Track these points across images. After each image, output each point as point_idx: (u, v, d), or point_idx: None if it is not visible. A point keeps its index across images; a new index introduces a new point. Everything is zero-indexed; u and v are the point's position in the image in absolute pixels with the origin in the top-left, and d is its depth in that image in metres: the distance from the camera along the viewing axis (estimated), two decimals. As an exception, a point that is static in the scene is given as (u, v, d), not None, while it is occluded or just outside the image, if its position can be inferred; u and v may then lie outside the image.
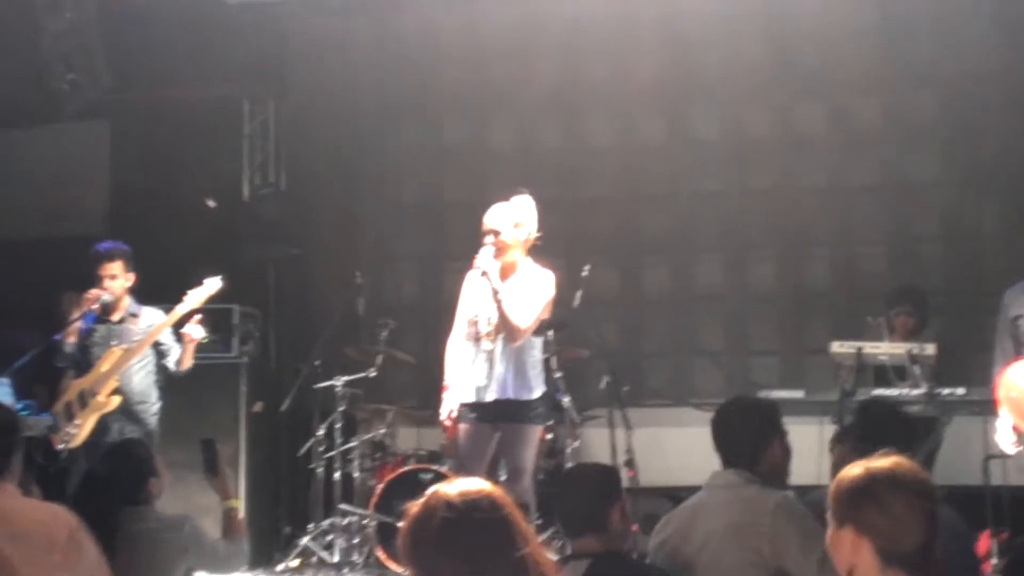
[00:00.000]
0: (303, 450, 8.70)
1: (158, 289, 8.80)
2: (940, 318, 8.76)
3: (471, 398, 6.50)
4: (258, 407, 8.98)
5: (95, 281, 7.63)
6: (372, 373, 8.59)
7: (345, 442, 8.52)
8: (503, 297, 6.37)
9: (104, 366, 7.41)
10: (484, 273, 6.37)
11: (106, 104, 9.55)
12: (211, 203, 9.70)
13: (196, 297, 7.54)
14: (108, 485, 4.67)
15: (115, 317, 7.58)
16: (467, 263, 6.79)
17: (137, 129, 9.96)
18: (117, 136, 10.24)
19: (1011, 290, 6.92)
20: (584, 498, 4.12)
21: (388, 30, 10.17)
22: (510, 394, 6.45)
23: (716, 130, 9.82)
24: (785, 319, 9.62)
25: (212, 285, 7.55)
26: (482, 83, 10.10)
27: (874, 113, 9.57)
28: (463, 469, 6.37)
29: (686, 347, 9.73)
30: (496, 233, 6.46)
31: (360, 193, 10.36)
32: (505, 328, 6.41)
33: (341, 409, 8.44)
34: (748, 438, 4.35)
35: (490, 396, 6.43)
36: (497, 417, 6.47)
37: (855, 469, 2.83)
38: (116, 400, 7.39)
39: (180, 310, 7.52)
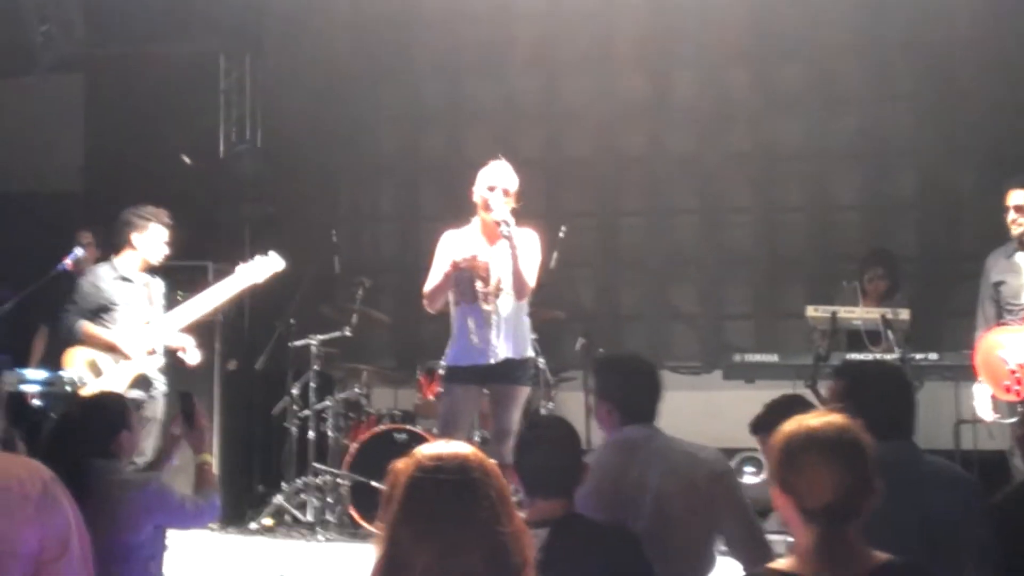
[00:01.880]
0: (277, 409, 8.69)
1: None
2: (914, 283, 8.80)
3: (465, 360, 6.38)
4: (232, 365, 8.94)
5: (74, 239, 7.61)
6: (347, 332, 8.56)
7: (319, 401, 8.50)
8: (520, 253, 6.25)
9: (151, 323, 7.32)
10: (505, 225, 6.18)
11: (81, 57, 9.49)
12: (187, 159, 9.64)
13: (254, 274, 7.44)
14: (78, 435, 4.60)
15: (139, 280, 7.43)
16: (444, 223, 6.76)
17: (112, 83, 9.87)
18: (92, 90, 10.15)
19: (993, 254, 6.96)
20: (557, 456, 3.83)
21: (367, -12, 10.10)
22: (509, 354, 6.34)
23: (695, 92, 9.79)
24: (760, 282, 9.65)
25: (273, 264, 7.45)
26: (460, 43, 10.06)
27: (853, 77, 9.57)
28: (449, 430, 6.27)
29: (662, 310, 9.75)
30: (506, 191, 6.34)
31: (337, 152, 10.31)
32: (517, 285, 6.30)
33: (316, 368, 8.43)
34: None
35: (487, 358, 6.28)
36: (487, 378, 6.38)
37: (785, 427, 2.90)
38: (157, 359, 7.31)
39: (239, 284, 7.42)
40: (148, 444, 7.02)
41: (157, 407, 7.30)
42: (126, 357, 7.18)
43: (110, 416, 4.73)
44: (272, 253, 7.46)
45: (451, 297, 6.47)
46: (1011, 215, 6.74)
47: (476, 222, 6.48)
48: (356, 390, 8.66)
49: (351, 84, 10.27)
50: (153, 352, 7.26)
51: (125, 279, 7.35)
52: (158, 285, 7.52)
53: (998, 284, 6.83)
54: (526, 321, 6.54)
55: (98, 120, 10.04)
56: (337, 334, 8.55)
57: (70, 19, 8.90)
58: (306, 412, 8.45)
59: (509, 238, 6.19)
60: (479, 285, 6.32)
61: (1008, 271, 6.79)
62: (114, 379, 7.13)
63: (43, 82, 9.69)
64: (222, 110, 10.05)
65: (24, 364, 8.11)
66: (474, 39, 10.01)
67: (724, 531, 4.26)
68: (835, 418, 2.88)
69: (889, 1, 9.38)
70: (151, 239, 7.37)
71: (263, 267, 7.43)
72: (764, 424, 4.33)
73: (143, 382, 7.20)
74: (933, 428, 7.13)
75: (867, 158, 9.54)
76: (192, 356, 7.38)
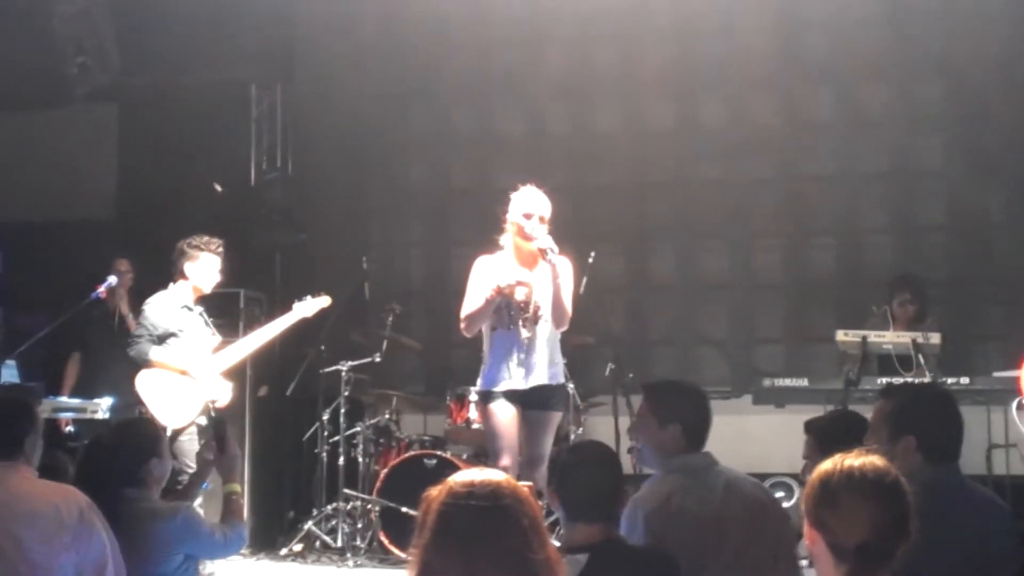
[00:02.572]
0: (308, 435, 8.73)
1: (165, 274, 8.87)
2: (944, 307, 8.77)
3: (501, 385, 6.33)
4: (263, 391, 9.00)
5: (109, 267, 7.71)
6: (378, 358, 8.59)
7: (350, 427, 8.52)
8: (563, 281, 6.22)
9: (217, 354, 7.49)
10: (552, 252, 6.13)
11: (115, 87, 9.58)
12: (218, 188, 9.72)
13: (306, 310, 7.75)
14: (107, 463, 4.60)
15: (197, 308, 7.57)
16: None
17: (145, 112, 9.98)
18: (125, 119, 10.27)
19: None
20: (599, 481, 3.85)
21: (396, 15, 10.17)
22: (544, 379, 6.33)
23: (723, 117, 9.81)
24: (790, 307, 9.62)
25: (322, 301, 7.78)
26: (489, 69, 10.11)
27: (881, 101, 9.56)
28: (501, 452, 6.25)
29: (691, 334, 9.74)
30: (542, 218, 6.30)
31: (367, 178, 10.37)
32: (558, 313, 6.27)
33: (346, 394, 8.45)
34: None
35: (524, 383, 6.28)
36: (522, 403, 6.34)
37: (823, 465, 2.89)
38: (228, 384, 7.46)
39: (290, 319, 7.75)
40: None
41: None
42: (195, 381, 7.32)
43: (139, 443, 4.70)
44: (323, 295, 7.78)
45: (487, 322, 6.43)
46: None
47: (509, 248, 6.44)
48: (386, 416, 8.68)
49: (380, 111, 10.33)
50: (222, 377, 7.42)
51: (187, 307, 7.49)
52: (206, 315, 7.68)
53: None
54: (559, 347, 6.54)
55: (131, 149, 10.15)
56: (367, 360, 8.58)
57: (105, 50, 9.01)
58: (336, 438, 8.47)
59: (554, 266, 6.16)
60: (518, 311, 6.30)
61: None
62: (188, 406, 7.26)
63: (78, 112, 9.80)
64: (253, 138, 10.14)
65: (57, 391, 8.20)
66: (503, 66, 10.07)
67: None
68: (875, 459, 2.87)
69: (916, 24, 9.39)
70: (203, 269, 7.48)
71: (314, 304, 7.76)
72: (822, 431, 4.38)
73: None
74: (965, 453, 7.10)
75: (895, 182, 9.53)
76: (224, 397, 7.47)
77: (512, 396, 6.31)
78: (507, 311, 6.31)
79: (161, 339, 7.39)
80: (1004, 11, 9.14)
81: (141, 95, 9.91)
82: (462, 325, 6.45)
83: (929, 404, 4.05)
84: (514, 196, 6.41)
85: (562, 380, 6.56)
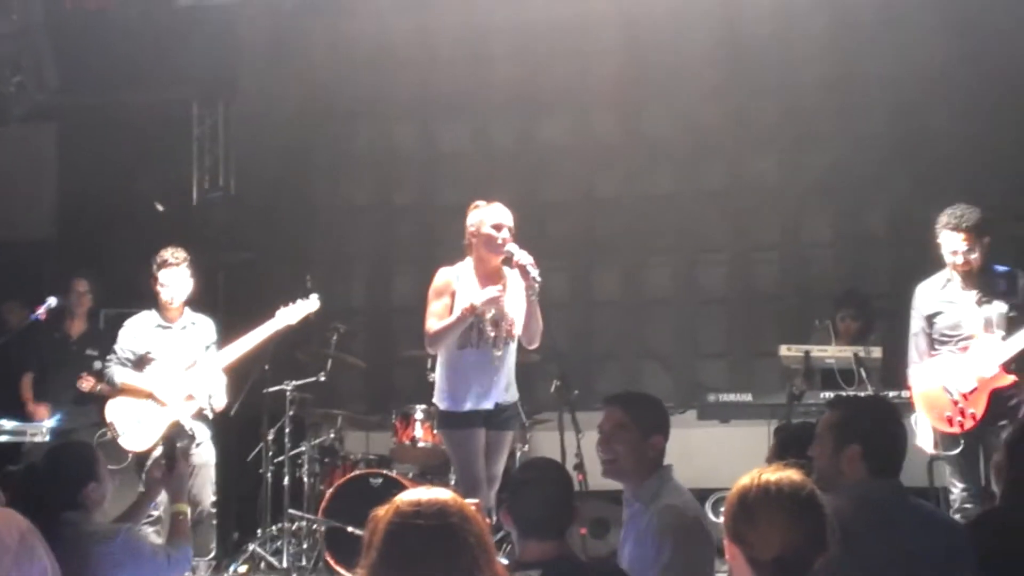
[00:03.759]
0: (252, 455, 8.65)
1: (105, 293, 8.79)
2: (888, 319, 8.84)
3: (465, 405, 6.21)
4: (207, 411, 8.91)
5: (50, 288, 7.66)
6: (322, 377, 8.53)
7: (294, 447, 8.47)
8: (535, 298, 6.08)
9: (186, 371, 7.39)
10: (526, 267, 5.98)
11: (53, 107, 9.49)
12: (160, 207, 9.65)
13: (290, 316, 7.59)
14: (44, 486, 4.55)
15: (177, 324, 7.50)
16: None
17: (85, 132, 9.90)
18: (65, 139, 10.17)
19: (923, 287, 6.85)
20: (551, 498, 3.86)
21: (340, 33, 10.15)
22: (504, 398, 6.26)
23: (669, 131, 9.85)
24: (734, 322, 9.68)
25: (309, 305, 7.62)
26: (435, 86, 10.10)
27: (825, 114, 9.64)
28: (470, 475, 6.13)
29: (636, 350, 9.77)
30: (511, 229, 6.18)
31: (311, 197, 10.34)
32: (532, 330, 6.17)
33: (290, 413, 8.39)
34: None
35: (487, 403, 6.20)
36: (487, 424, 6.25)
37: (742, 480, 2.92)
38: (192, 404, 7.36)
39: (277, 326, 7.56)
40: (204, 492, 7.31)
41: (204, 452, 7.40)
42: (161, 404, 7.25)
43: (76, 467, 4.67)
44: (313, 296, 7.63)
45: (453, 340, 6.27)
46: (952, 252, 6.59)
47: (469, 262, 6.30)
48: (331, 435, 8.63)
49: (324, 129, 10.30)
50: (191, 398, 7.31)
51: (162, 326, 7.46)
52: (205, 327, 7.60)
53: (932, 316, 6.73)
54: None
55: (71, 169, 10.05)
56: (312, 379, 8.52)
57: (42, 69, 8.92)
58: (281, 458, 8.41)
59: (534, 283, 6.01)
60: (489, 329, 6.18)
61: (943, 302, 6.70)
62: (150, 429, 7.22)
63: (16, 132, 9.70)
64: (195, 157, 10.07)
65: (12, 412, 8.11)
66: (448, 82, 10.06)
67: None
68: (792, 473, 2.90)
69: (862, 40, 9.49)
70: (162, 283, 7.43)
71: (299, 309, 7.59)
72: (784, 439, 4.41)
73: (181, 430, 7.20)
74: (907, 465, 7.14)
75: (840, 195, 9.62)
76: (218, 400, 7.41)
77: (477, 418, 6.20)
78: (477, 329, 6.18)
79: (134, 362, 7.39)
80: (943, 25, 9.27)
81: (80, 114, 9.83)
82: (427, 341, 6.30)
83: (875, 414, 4.07)
84: (478, 210, 6.26)
85: (516, 397, 6.45)
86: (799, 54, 9.55)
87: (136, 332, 7.45)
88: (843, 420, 4.00)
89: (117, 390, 7.34)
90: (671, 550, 4.10)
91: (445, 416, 6.34)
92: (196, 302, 8.84)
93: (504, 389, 6.25)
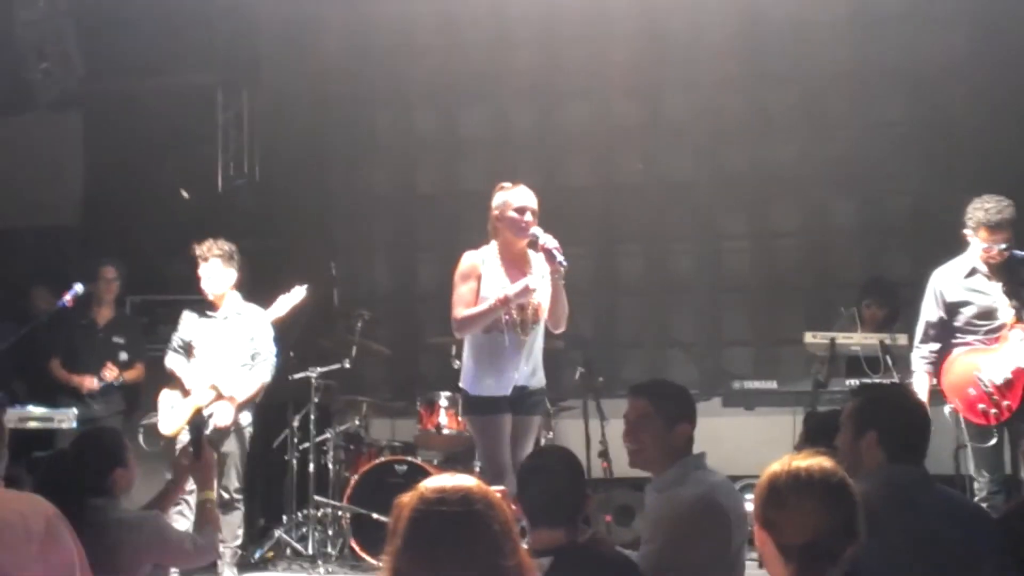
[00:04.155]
0: (277, 441, 8.68)
1: (131, 280, 8.82)
2: (911, 307, 8.80)
3: (493, 390, 6.11)
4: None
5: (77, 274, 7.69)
6: (347, 364, 8.53)
7: (319, 433, 8.48)
8: (562, 282, 5.99)
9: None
10: (552, 251, 5.88)
11: (79, 93, 9.51)
12: (185, 194, 9.67)
13: (286, 304, 7.69)
14: (72, 472, 4.55)
15: (219, 314, 7.58)
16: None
17: (110, 118, 9.91)
18: (90, 126, 10.19)
19: (944, 274, 6.76)
20: (560, 486, 3.85)
21: (362, 19, 10.15)
22: (531, 383, 6.18)
23: (689, 118, 9.84)
24: (758, 309, 9.66)
25: (298, 294, 7.70)
26: (456, 71, 10.10)
27: (844, 102, 9.62)
28: (497, 462, 6.02)
29: (660, 337, 9.76)
30: (534, 212, 6.08)
31: (334, 183, 10.36)
32: (559, 314, 6.09)
33: (315, 400, 8.40)
34: None
35: (512, 387, 6.10)
36: (513, 409, 6.15)
37: (772, 466, 2.91)
38: (212, 393, 7.41)
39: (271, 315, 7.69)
40: (228, 479, 7.44)
41: (232, 441, 7.47)
42: (186, 392, 7.40)
43: (104, 453, 4.66)
44: (297, 288, 7.70)
45: None
46: (987, 248, 6.51)
47: (494, 245, 6.19)
48: (355, 422, 8.65)
49: (347, 115, 10.32)
50: (214, 388, 7.38)
51: (206, 315, 7.57)
52: (251, 317, 7.64)
53: (958, 305, 6.64)
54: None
55: (97, 155, 10.08)
56: (336, 366, 8.53)
57: (69, 56, 8.94)
58: (306, 444, 8.43)
59: (560, 267, 5.92)
60: (516, 313, 6.07)
61: (970, 291, 6.63)
62: (180, 413, 7.35)
63: (42, 118, 9.73)
64: (220, 144, 10.09)
65: (36, 399, 8.14)
66: (468, 68, 10.06)
67: None
68: (823, 460, 2.90)
69: (880, 27, 9.46)
70: (200, 276, 7.52)
71: (283, 303, 7.69)
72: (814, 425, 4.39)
73: (203, 417, 7.22)
74: (934, 453, 7.11)
75: (860, 183, 9.59)
76: (220, 417, 7.40)
77: (503, 403, 6.13)
78: (504, 313, 6.07)
79: (184, 350, 7.55)
80: (962, 17, 9.25)
81: (106, 101, 9.84)
82: (455, 326, 6.17)
83: (892, 401, 4.06)
84: (502, 191, 6.15)
85: (544, 383, 6.36)
86: (818, 42, 9.54)
87: (186, 321, 7.60)
88: (860, 408, 4.00)
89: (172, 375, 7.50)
90: (655, 539, 4.14)
91: (470, 401, 6.27)
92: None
93: (530, 373, 6.19)
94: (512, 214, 6.07)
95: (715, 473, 4.39)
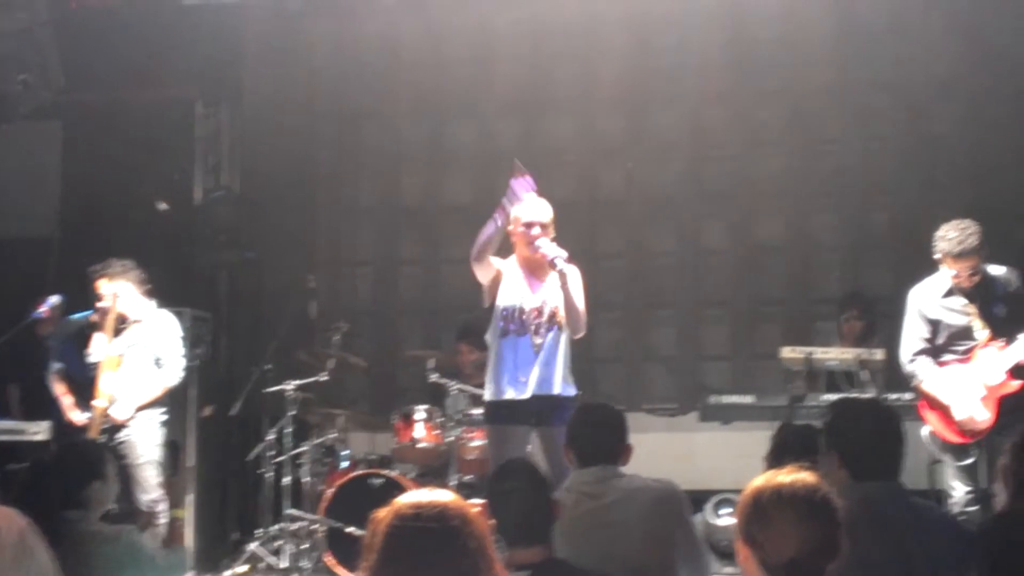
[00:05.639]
0: (252, 454, 8.64)
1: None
2: (891, 323, 8.82)
3: (506, 394, 6.26)
4: (208, 411, 8.91)
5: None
6: (324, 377, 8.50)
7: (295, 447, 8.45)
8: (572, 289, 6.25)
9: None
10: (560, 260, 6.17)
11: (58, 105, 9.47)
12: (163, 205, 9.64)
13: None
14: (49, 484, 4.53)
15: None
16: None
17: (89, 130, 9.87)
18: (69, 137, 10.14)
19: (922, 291, 6.76)
20: (529, 504, 3.88)
21: (346, 32, 10.13)
22: (549, 390, 6.27)
23: (674, 132, 9.82)
24: (737, 323, 9.65)
25: None
26: (440, 86, 10.06)
27: (830, 118, 9.62)
28: None
29: (639, 351, 9.75)
30: (543, 225, 6.34)
31: (315, 196, 10.32)
32: (574, 320, 6.30)
33: (292, 413, 8.37)
34: None
35: (528, 392, 6.22)
36: (538, 419, 6.24)
37: (755, 481, 2.91)
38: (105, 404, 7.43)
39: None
40: (136, 493, 7.25)
41: (133, 451, 7.37)
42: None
43: (82, 465, 4.66)
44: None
45: (496, 330, 6.39)
46: (955, 277, 6.52)
47: (513, 260, 6.48)
48: (332, 435, 8.62)
49: (329, 128, 10.29)
50: (112, 398, 7.40)
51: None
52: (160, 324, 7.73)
53: (935, 322, 6.64)
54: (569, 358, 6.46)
55: (75, 167, 10.02)
56: (313, 379, 8.50)
57: (48, 67, 8.89)
58: (282, 457, 8.40)
59: (563, 274, 6.20)
60: (532, 317, 6.29)
61: (946, 310, 6.63)
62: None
63: (21, 129, 9.68)
64: (198, 156, 10.05)
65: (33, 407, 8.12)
66: (453, 82, 10.03)
67: None
68: (806, 476, 2.89)
69: (867, 43, 9.47)
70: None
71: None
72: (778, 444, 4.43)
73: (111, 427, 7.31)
74: (909, 468, 7.14)
75: (844, 198, 9.59)
76: (118, 411, 7.45)
77: (522, 413, 6.23)
78: (518, 317, 6.31)
79: None
80: (949, 31, 9.26)
81: (85, 113, 9.81)
82: (473, 253, 6.38)
83: (852, 420, 4.06)
84: (517, 206, 6.41)
85: (573, 392, 6.44)
86: (806, 57, 9.53)
87: None
88: (826, 426, 4.03)
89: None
90: None
91: (488, 408, 6.45)
92: (198, 301, 8.88)
93: (549, 380, 6.27)
94: (521, 229, 6.37)
95: None
